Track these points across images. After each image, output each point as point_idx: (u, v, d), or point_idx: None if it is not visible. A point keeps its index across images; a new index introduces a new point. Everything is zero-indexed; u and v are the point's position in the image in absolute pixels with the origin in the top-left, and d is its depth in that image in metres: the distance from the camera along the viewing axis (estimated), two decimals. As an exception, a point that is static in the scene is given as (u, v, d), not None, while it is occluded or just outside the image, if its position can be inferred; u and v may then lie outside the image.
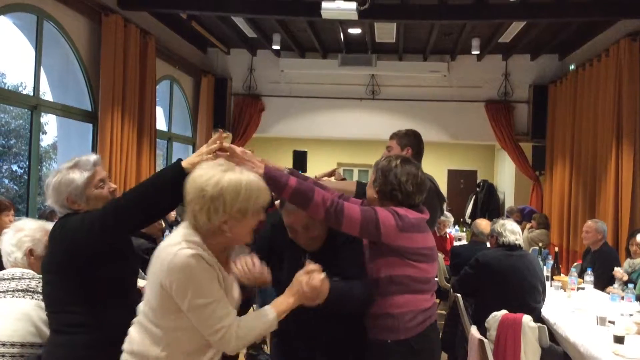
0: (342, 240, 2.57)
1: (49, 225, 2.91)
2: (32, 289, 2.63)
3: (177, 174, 2.14)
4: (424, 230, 2.61)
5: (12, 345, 2.52)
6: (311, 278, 2.08)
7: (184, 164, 2.22)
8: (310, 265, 2.13)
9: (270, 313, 2.01)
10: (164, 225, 5.15)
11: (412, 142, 3.48)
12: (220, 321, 1.90)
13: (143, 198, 2.20)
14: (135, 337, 2.02)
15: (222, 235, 1.95)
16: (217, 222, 1.92)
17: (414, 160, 2.73)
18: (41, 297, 2.59)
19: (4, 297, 2.61)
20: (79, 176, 2.42)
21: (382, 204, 2.58)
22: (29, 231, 2.78)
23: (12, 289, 2.63)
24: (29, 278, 2.68)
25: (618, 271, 5.28)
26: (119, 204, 2.22)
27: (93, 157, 2.50)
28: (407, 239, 2.49)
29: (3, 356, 2.51)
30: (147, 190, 2.22)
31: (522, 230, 7.16)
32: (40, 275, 2.72)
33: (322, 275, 2.11)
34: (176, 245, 1.92)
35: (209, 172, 1.94)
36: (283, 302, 2.06)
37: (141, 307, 2.04)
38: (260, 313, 2.02)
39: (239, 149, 2.42)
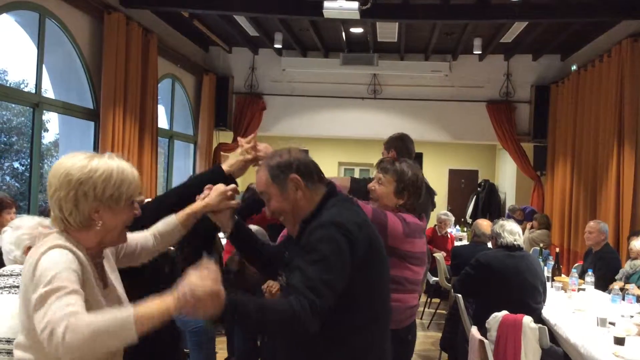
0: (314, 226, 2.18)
1: (47, 221, 2.93)
2: None
3: (217, 176, 2.21)
4: (421, 236, 2.90)
5: (9, 341, 2.50)
6: (203, 280, 1.53)
7: (224, 166, 2.30)
8: (208, 266, 1.58)
9: (125, 311, 1.49)
10: None
11: (396, 144, 3.83)
12: (62, 311, 1.47)
13: (186, 199, 2.20)
14: None
15: (92, 228, 1.72)
16: (87, 211, 1.69)
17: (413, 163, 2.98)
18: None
19: (1, 293, 2.61)
20: None
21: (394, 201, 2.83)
22: (26, 229, 2.77)
23: (9, 285, 2.63)
24: (28, 274, 2.68)
25: (616, 285, 5.26)
26: (161, 207, 2.24)
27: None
28: (410, 244, 2.77)
29: (0, 353, 2.51)
30: (189, 192, 2.25)
31: (523, 230, 7.17)
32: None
33: (209, 284, 1.53)
34: (42, 246, 1.66)
35: (74, 158, 1.74)
36: (148, 304, 1.51)
37: (16, 340, 1.76)
38: (110, 311, 1.53)
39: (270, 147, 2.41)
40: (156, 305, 1.50)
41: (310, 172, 2.04)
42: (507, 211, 10.75)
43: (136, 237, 2.01)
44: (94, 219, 1.71)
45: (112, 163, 1.76)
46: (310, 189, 2.03)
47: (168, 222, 2.08)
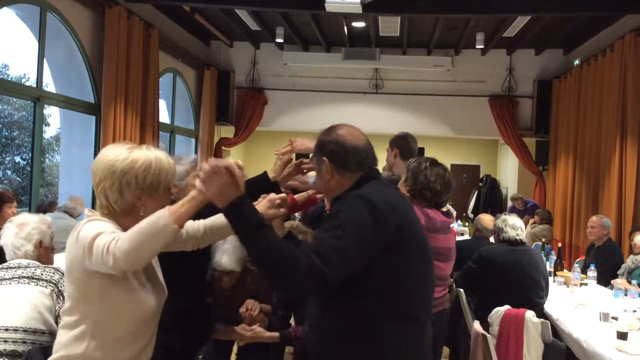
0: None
1: (48, 218, 3.00)
2: (37, 277, 2.69)
3: (263, 182, 2.37)
4: (447, 232, 2.97)
5: (15, 330, 2.57)
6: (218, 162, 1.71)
7: (270, 173, 2.42)
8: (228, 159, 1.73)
9: (164, 214, 1.68)
10: None
11: (398, 143, 3.87)
12: (95, 240, 1.69)
13: None
14: (59, 342, 1.89)
15: (136, 213, 1.86)
16: (130, 199, 1.85)
17: (441, 163, 3.09)
18: (45, 284, 2.65)
19: (9, 283, 2.66)
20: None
21: (411, 202, 2.81)
22: (34, 224, 2.86)
23: (17, 276, 2.69)
24: (35, 267, 2.75)
25: (617, 282, 5.25)
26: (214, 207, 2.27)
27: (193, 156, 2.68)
28: (432, 239, 2.62)
29: (5, 341, 2.55)
30: None
31: (525, 225, 7.15)
32: (46, 265, 2.77)
33: (232, 164, 1.70)
34: (84, 222, 1.84)
35: (116, 150, 1.88)
36: (181, 202, 1.73)
37: (63, 307, 1.95)
38: (151, 216, 1.71)
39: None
40: (184, 200, 1.72)
41: (345, 159, 1.93)
42: (509, 200, 10.75)
43: (186, 225, 2.06)
44: (137, 206, 1.86)
45: (151, 154, 1.89)
46: (340, 175, 1.94)
47: (219, 217, 2.10)
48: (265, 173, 2.47)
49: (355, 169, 1.94)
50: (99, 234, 1.70)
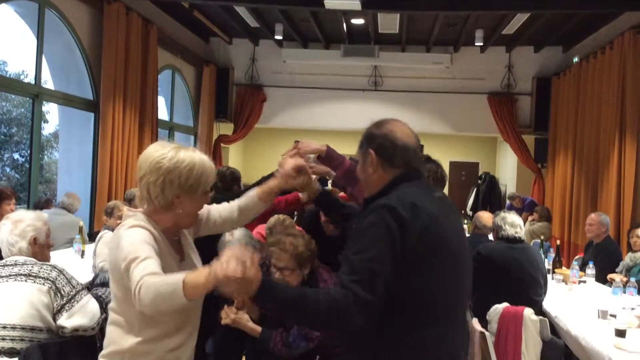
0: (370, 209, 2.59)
1: (45, 215, 2.98)
2: (34, 274, 2.67)
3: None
4: None
5: (13, 327, 2.56)
6: (228, 264, 1.63)
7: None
8: (244, 251, 1.67)
9: (178, 276, 1.69)
10: None
11: None
12: (131, 267, 1.76)
13: None
14: (108, 338, 1.98)
15: (173, 211, 1.95)
16: (171, 196, 1.93)
17: (435, 159, 3.05)
18: (42, 281, 2.64)
19: (6, 281, 2.65)
20: None
21: None
22: (29, 221, 2.84)
23: (14, 274, 2.67)
24: (32, 264, 2.73)
25: (615, 278, 5.25)
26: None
27: None
28: None
29: (3, 339, 2.54)
30: None
31: (524, 221, 7.15)
32: (43, 262, 2.76)
33: (243, 265, 1.65)
34: (124, 225, 1.94)
35: (164, 149, 1.97)
36: (197, 275, 1.70)
37: (110, 304, 2.02)
38: (172, 275, 1.75)
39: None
40: (202, 276, 1.66)
41: (392, 155, 1.90)
42: (507, 199, 10.76)
43: (220, 209, 2.22)
44: (175, 204, 1.94)
45: (196, 156, 1.97)
46: (384, 170, 1.91)
47: (249, 197, 2.25)
48: (272, 175, 2.53)
49: (399, 166, 1.91)
50: (134, 262, 1.76)
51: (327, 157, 2.47)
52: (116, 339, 1.94)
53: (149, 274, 1.71)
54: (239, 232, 3.28)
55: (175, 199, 1.94)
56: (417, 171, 1.94)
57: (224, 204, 2.23)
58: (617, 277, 4.94)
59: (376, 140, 1.92)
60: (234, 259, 1.63)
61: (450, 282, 1.86)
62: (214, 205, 2.22)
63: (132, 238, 1.85)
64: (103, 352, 1.99)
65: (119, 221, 4.97)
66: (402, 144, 1.91)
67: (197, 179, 1.95)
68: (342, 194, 3.16)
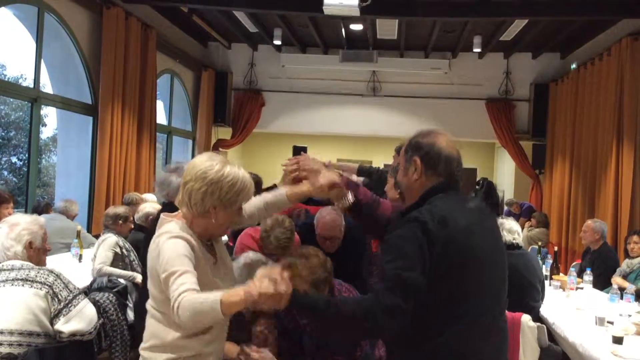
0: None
1: (42, 219, 2.97)
2: (31, 279, 2.67)
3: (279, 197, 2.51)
4: None
5: (11, 332, 2.56)
6: (261, 282, 1.82)
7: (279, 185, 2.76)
8: (274, 270, 1.86)
9: (215, 295, 1.85)
10: (133, 226, 5.18)
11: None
12: (170, 280, 1.92)
13: None
14: (148, 331, 2.13)
15: (208, 219, 2.09)
16: (209, 205, 2.06)
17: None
18: (40, 286, 2.63)
19: (3, 286, 2.65)
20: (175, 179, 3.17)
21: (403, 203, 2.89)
22: (25, 224, 2.84)
23: (11, 278, 2.67)
24: (29, 268, 2.72)
25: (616, 279, 5.26)
26: None
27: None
28: None
29: (1, 344, 2.54)
30: None
31: (522, 227, 7.16)
32: (39, 267, 2.75)
33: (275, 284, 1.82)
34: (164, 234, 2.06)
35: (212, 161, 2.11)
36: (233, 294, 1.86)
37: (149, 302, 2.15)
38: (208, 293, 1.90)
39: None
40: (238, 296, 1.83)
41: (436, 163, 2.01)
42: (504, 205, 10.76)
43: (247, 204, 2.30)
44: (210, 213, 2.08)
45: (240, 173, 2.11)
46: (427, 178, 2.02)
47: (278, 195, 2.38)
48: (275, 186, 2.61)
49: (441, 174, 2.03)
50: (173, 275, 1.92)
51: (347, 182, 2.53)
52: (158, 332, 2.08)
53: (187, 291, 1.86)
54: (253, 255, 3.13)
55: (212, 209, 2.07)
56: (456, 181, 2.06)
57: (251, 200, 2.32)
58: (625, 284, 4.95)
59: (423, 148, 2.02)
60: (266, 278, 1.81)
61: (478, 290, 1.94)
62: None
63: (172, 250, 1.98)
64: (144, 345, 2.13)
65: (130, 224, 5.01)
66: (446, 154, 2.03)
67: (236, 195, 2.09)
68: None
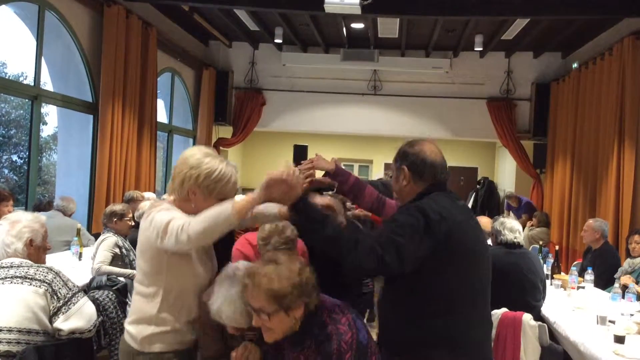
0: None
1: (43, 217, 2.96)
2: (30, 276, 2.66)
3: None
4: None
5: (9, 330, 2.55)
6: (274, 172, 2.03)
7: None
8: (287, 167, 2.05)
9: (227, 203, 2.04)
10: (132, 224, 5.17)
11: None
12: (169, 224, 2.09)
13: None
14: (134, 307, 2.29)
15: (188, 203, 2.22)
16: (187, 189, 2.21)
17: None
18: (39, 283, 2.62)
19: (2, 283, 2.64)
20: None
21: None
22: (26, 222, 2.83)
23: (10, 276, 2.66)
24: (28, 266, 2.72)
25: (623, 278, 5.24)
26: None
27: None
28: None
29: (0, 342, 2.53)
30: None
31: (523, 226, 7.16)
32: (39, 264, 2.75)
33: (288, 170, 2.03)
34: (155, 208, 2.25)
35: (198, 150, 2.28)
36: (243, 199, 2.05)
37: (136, 279, 2.31)
38: (218, 205, 2.07)
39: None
40: (248, 197, 2.05)
41: (422, 171, 2.23)
42: (504, 198, 10.76)
43: None
44: (190, 198, 2.22)
45: (220, 165, 2.23)
46: (415, 183, 2.24)
47: (269, 207, 2.38)
48: None
49: (428, 179, 2.25)
50: (172, 219, 2.09)
51: (334, 173, 2.63)
52: (142, 307, 2.24)
53: (190, 221, 2.04)
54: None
55: (191, 194, 2.21)
56: (443, 184, 2.27)
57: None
58: (630, 281, 4.94)
59: (409, 158, 2.25)
60: (280, 170, 2.01)
61: (468, 279, 2.17)
62: None
63: (166, 212, 2.17)
64: (128, 320, 2.28)
65: (128, 221, 5.00)
66: (430, 161, 2.24)
67: (214, 182, 2.20)
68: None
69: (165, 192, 8.76)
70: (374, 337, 2.23)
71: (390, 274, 2.14)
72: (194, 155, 2.23)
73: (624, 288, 4.79)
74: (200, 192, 2.20)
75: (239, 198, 2.13)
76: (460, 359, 2.13)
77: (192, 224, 2.03)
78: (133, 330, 2.25)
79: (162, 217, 2.14)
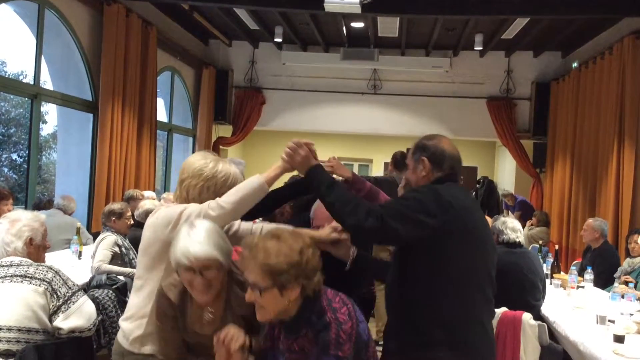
0: None
1: (43, 216, 2.96)
2: (30, 275, 2.66)
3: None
4: None
5: (9, 329, 2.55)
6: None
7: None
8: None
9: (257, 177, 2.21)
10: (131, 222, 5.16)
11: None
12: (185, 211, 2.18)
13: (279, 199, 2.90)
14: (130, 304, 2.32)
15: None
16: (205, 199, 2.22)
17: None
18: (39, 282, 2.62)
19: (2, 282, 2.64)
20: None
21: None
22: (26, 221, 2.83)
23: (10, 275, 2.66)
24: (28, 265, 2.71)
25: (622, 278, 5.25)
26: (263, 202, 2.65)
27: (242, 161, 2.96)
28: None
29: (10, 341, 2.53)
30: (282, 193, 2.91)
31: (523, 226, 7.15)
32: (38, 263, 2.74)
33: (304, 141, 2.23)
34: (156, 212, 2.30)
35: (206, 159, 2.30)
36: (269, 171, 2.24)
37: (135, 276, 2.34)
38: (245, 181, 2.22)
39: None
40: (274, 167, 2.24)
41: (441, 162, 2.32)
42: (500, 198, 10.78)
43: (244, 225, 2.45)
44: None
45: (231, 169, 2.30)
46: (433, 174, 2.32)
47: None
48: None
49: (445, 170, 2.34)
50: (186, 207, 2.16)
51: (352, 181, 2.71)
52: (138, 303, 2.24)
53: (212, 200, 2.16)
54: None
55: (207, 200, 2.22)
56: (455, 176, 2.38)
57: (249, 223, 2.44)
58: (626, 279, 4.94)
59: (429, 149, 2.35)
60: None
61: (475, 263, 2.26)
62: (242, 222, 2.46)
63: (176, 206, 2.23)
64: (123, 317, 2.30)
65: (127, 221, 4.99)
66: (449, 154, 2.37)
67: (227, 187, 2.24)
68: None
69: (164, 191, 8.77)
70: (374, 335, 2.24)
71: (390, 241, 2.32)
72: (207, 165, 2.28)
73: (626, 283, 4.80)
74: (216, 196, 2.23)
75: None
76: (461, 359, 2.16)
77: (224, 197, 2.14)
78: (126, 328, 2.26)
79: (173, 209, 2.20)
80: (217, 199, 2.16)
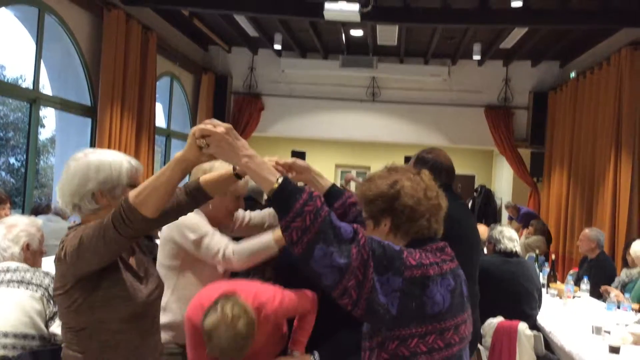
0: None
1: (40, 221, 2.95)
2: (26, 280, 2.65)
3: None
4: None
5: (5, 335, 2.53)
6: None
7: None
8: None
9: (267, 236, 2.33)
10: None
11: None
12: (216, 246, 2.33)
13: None
14: None
15: (206, 205, 2.29)
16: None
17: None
18: (35, 288, 2.61)
19: None
20: None
21: None
22: (23, 226, 2.82)
23: (6, 280, 2.65)
24: (24, 270, 2.71)
25: (609, 289, 5.25)
26: None
27: None
28: None
29: (5, 347, 2.52)
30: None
31: (519, 235, 7.15)
32: (35, 268, 2.74)
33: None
34: None
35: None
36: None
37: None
38: (260, 236, 2.36)
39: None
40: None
41: (439, 172, 2.51)
42: (503, 209, 10.77)
43: (253, 214, 2.69)
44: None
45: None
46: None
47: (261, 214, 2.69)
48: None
49: (442, 181, 2.35)
50: (206, 237, 2.35)
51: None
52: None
53: (228, 244, 2.33)
54: None
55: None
56: (451, 184, 2.65)
57: (257, 213, 2.69)
58: (613, 292, 4.94)
59: (429, 162, 2.64)
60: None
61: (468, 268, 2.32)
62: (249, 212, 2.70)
63: (200, 221, 2.39)
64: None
65: None
66: (446, 166, 2.67)
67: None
68: None
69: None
70: None
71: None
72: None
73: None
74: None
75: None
76: None
77: (236, 251, 2.30)
78: None
79: (199, 223, 2.37)
80: (236, 248, 2.32)
